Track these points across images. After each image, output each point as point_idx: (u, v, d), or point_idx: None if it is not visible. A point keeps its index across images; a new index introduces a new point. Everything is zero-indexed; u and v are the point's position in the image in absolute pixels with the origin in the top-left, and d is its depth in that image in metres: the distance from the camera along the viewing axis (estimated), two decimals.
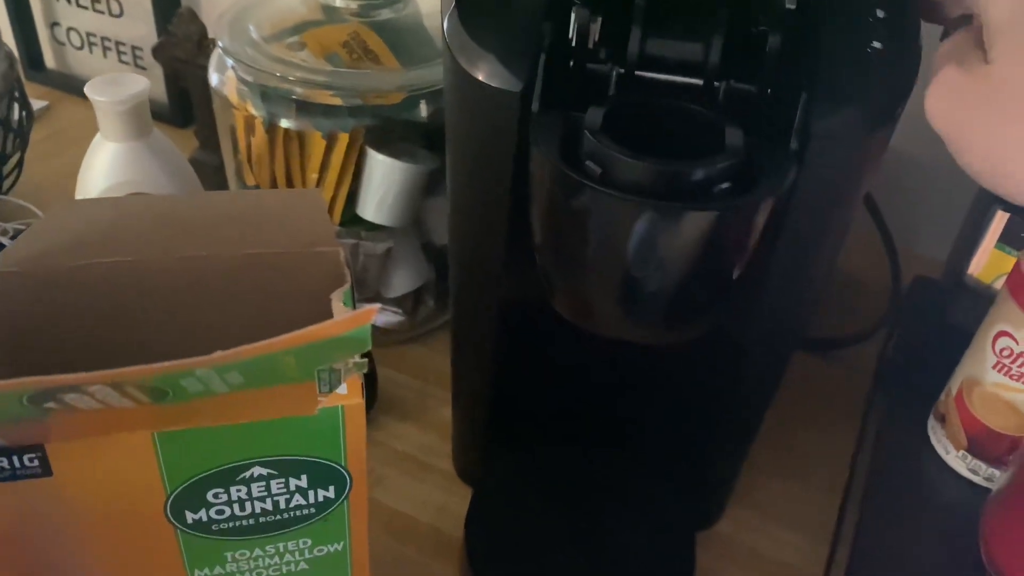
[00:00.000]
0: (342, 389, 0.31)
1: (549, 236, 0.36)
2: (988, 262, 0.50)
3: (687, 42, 0.34)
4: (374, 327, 0.65)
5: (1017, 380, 0.43)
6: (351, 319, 0.23)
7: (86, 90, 0.45)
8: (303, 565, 0.36)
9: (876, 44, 0.36)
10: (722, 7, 0.34)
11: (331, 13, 0.55)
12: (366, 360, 0.28)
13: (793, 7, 0.33)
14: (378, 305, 0.23)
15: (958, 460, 0.47)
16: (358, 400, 0.31)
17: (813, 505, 0.52)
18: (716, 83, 0.34)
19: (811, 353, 0.63)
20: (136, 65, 0.86)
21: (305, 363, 0.25)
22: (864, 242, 0.64)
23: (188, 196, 0.47)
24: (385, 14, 0.55)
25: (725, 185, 0.31)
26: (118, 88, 0.45)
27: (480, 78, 0.35)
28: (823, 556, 0.49)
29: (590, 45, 0.34)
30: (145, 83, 0.45)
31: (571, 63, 0.35)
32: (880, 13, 0.36)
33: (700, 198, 0.31)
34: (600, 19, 0.34)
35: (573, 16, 0.34)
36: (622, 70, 0.35)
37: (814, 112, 0.33)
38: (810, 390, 0.60)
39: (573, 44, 0.34)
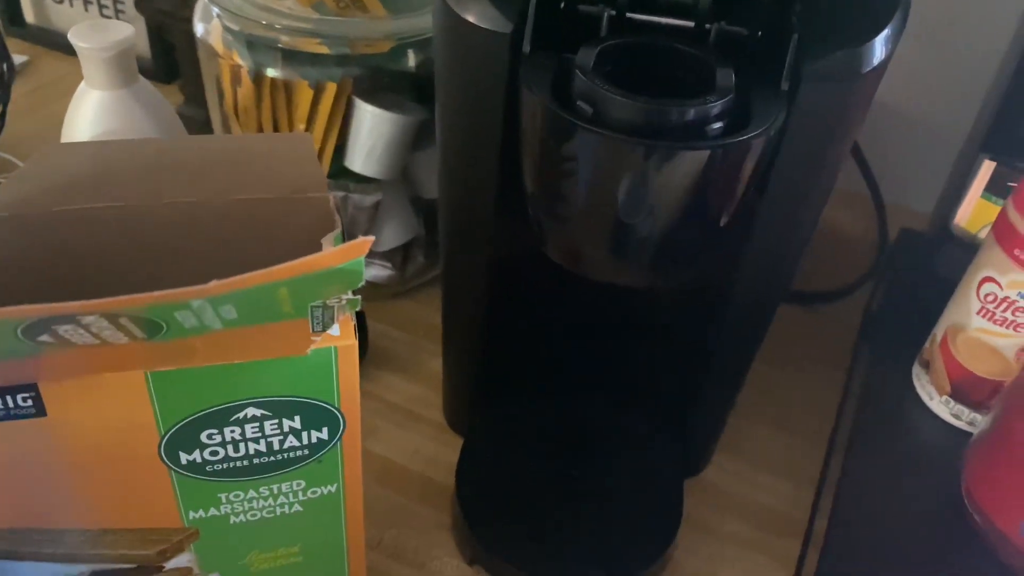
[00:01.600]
0: (335, 330, 0.31)
1: (540, 179, 0.36)
2: (974, 212, 0.50)
3: None
4: (364, 282, 0.65)
5: (1000, 325, 0.44)
6: (345, 249, 0.23)
7: (70, 36, 0.45)
8: (297, 507, 0.36)
9: None
10: None
11: None
12: (358, 298, 0.28)
13: None
14: (372, 237, 0.23)
15: (941, 405, 0.48)
16: (351, 341, 0.31)
17: (799, 452, 0.53)
18: (707, 25, 0.34)
19: (799, 305, 0.63)
20: (117, 19, 0.85)
21: (299, 296, 0.25)
22: (852, 195, 0.65)
23: (177, 140, 0.47)
24: None
25: (717, 125, 0.31)
26: (103, 34, 0.44)
27: (470, 19, 0.35)
28: (809, 501, 0.50)
29: None
30: (130, 29, 0.45)
31: (562, 4, 0.34)
32: None
33: (691, 138, 0.31)
34: None
35: None
36: (613, 12, 0.35)
37: (805, 54, 0.33)
38: (798, 341, 0.61)
39: None
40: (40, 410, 0.30)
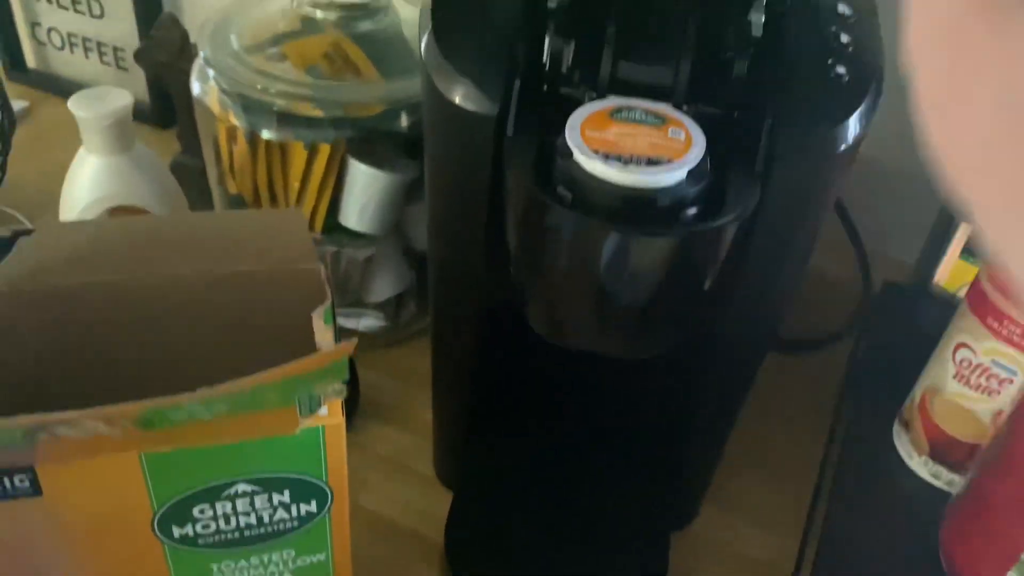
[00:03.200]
0: (323, 410, 0.32)
1: (523, 255, 0.37)
2: (953, 272, 0.51)
3: (656, 67, 0.35)
4: (356, 332, 0.66)
5: (976, 390, 0.45)
6: (330, 354, 0.24)
7: (70, 105, 0.46)
8: (287, 575, 0.37)
9: (840, 68, 0.37)
10: (690, 34, 0.35)
11: (311, 24, 0.55)
12: (345, 386, 0.29)
13: (759, 35, 0.34)
14: (354, 341, 0.24)
15: (921, 465, 0.49)
16: (338, 420, 0.32)
17: (785, 503, 0.54)
18: (684, 107, 0.35)
19: (783, 353, 0.64)
20: (118, 66, 0.86)
21: (286, 393, 0.26)
22: (836, 245, 0.66)
23: (172, 216, 0.48)
24: (365, 25, 0.55)
25: (691, 210, 0.32)
26: (101, 103, 0.45)
27: (456, 101, 0.36)
28: (794, 552, 0.51)
29: (563, 70, 0.35)
30: (128, 98, 0.46)
31: (544, 88, 0.36)
32: (844, 38, 0.38)
33: (667, 222, 0.32)
34: (573, 44, 0.35)
35: (547, 43, 0.35)
36: (594, 94, 0.36)
37: (779, 135, 0.34)
38: (782, 390, 0.62)
39: (547, 69, 0.35)
40: (36, 490, 0.31)
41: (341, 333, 0.60)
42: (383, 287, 0.61)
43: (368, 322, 0.62)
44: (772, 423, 0.59)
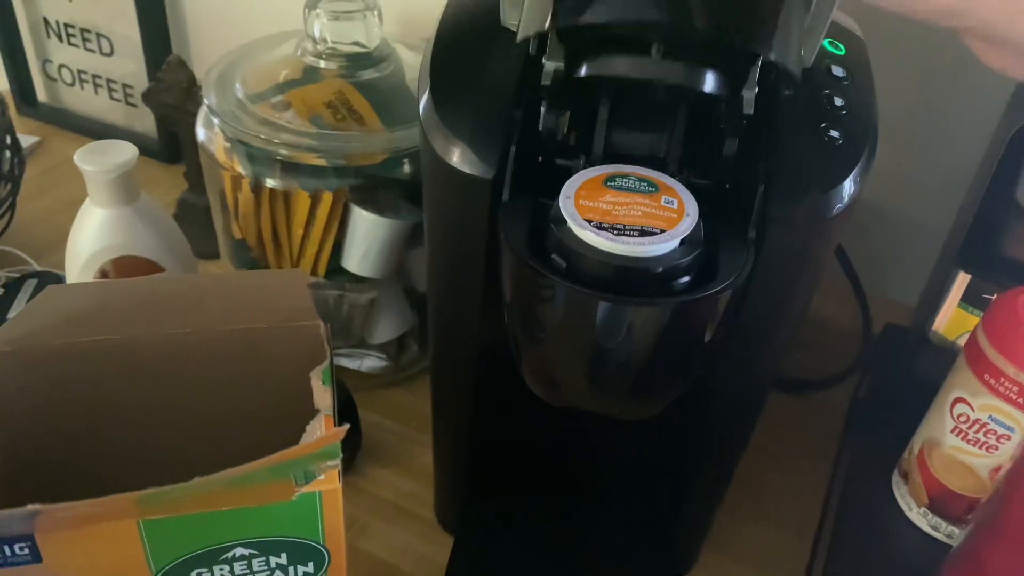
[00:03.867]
0: (320, 476, 0.33)
1: (518, 318, 0.37)
2: (951, 320, 0.51)
3: (648, 140, 0.35)
4: (359, 372, 0.66)
5: (973, 445, 0.45)
6: (321, 440, 0.24)
7: (76, 160, 0.47)
8: None
9: (834, 132, 0.37)
10: (682, 110, 0.35)
11: (315, 72, 0.56)
12: (339, 463, 0.29)
13: (751, 112, 0.34)
14: (347, 426, 0.25)
15: (920, 517, 0.49)
16: (335, 486, 0.33)
17: (785, 549, 0.54)
18: (676, 176, 0.36)
19: (784, 394, 0.64)
20: (127, 102, 0.88)
21: (281, 473, 0.27)
22: (837, 287, 0.66)
23: (175, 276, 0.49)
24: (368, 74, 0.56)
25: (684, 279, 0.33)
26: (106, 157, 0.46)
27: (452, 162, 0.37)
28: None
29: (558, 138, 0.36)
30: (133, 152, 0.47)
31: (540, 158, 0.36)
32: (838, 100, 0.38)
33: (660, 291, 0.32)
34: (568, 115, 0.35)
35: (542, 115, 0.35)
36: (588, 161, 0.36)
37: (773, 201, 0.35)
38: (783, 432, 0.62)
39: (543, 137, 0.36)
40: (36, 557, 0.31)
41: (342, 374, 0.61)
42: (385, 329, 0.61)
43: (370, 363, 0.63)
44: (773, 466, 0.59)
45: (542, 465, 0.53)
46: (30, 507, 0.23)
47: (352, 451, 0.58)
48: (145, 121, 0.86)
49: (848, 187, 0.36)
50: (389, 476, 0.58)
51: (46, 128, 0.91)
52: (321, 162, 0.52)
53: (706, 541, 0.53)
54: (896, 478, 0.51)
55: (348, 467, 0.57)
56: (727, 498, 0.52)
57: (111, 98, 0.88)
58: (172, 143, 0.83)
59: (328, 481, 0.33)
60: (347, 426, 0.25)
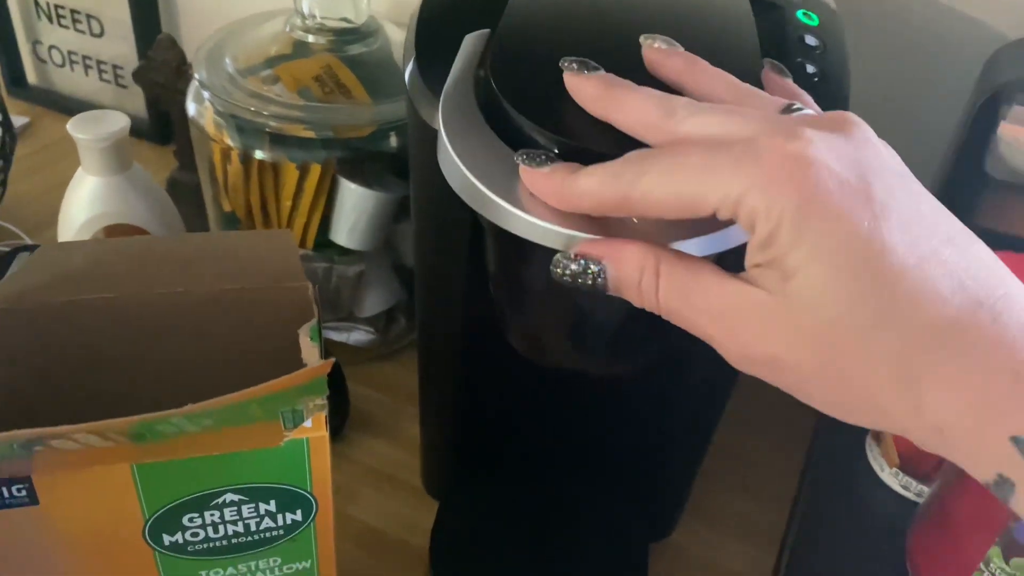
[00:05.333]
0: (307, 423, 0.34)
1: (500, 282, 0.38)
2: None
3: None
4: (347, 345, 0.67)
5: None
6: (309, 372, 0.25)
7: (69, 128, 0.48)
8: None
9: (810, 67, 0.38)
10: None
11: (304, 47, 0.57)
12: (325, 403, 0.30)
13: None
14: (332, 359, 0.26)
15: (891, 477, 0.50)
16: (322, 432, 0.34)
17: (763, 516, 0.55)
18: None
19: None
20: (117, 84, 0.88)
21: (269, 408, 0.28)
22: None
23: (165, 238, 0.50)
24: (356, 48, 0.57)
25: None
26: (99, 126, 0.47)
27: (438, 128, 0.38)
28: (771, 564, 0.52)
29: None
30: (125, 121, 0.48)
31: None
32: (811, 68, 0.39)
33: None
34: None
35: None
36: None
37: None
38: (763, 405, 0.63)
39: None
40: (33, 499, 0.32)
41: (331, 347, 0.62)
42: (373, 302, 0.63)
43: (358, 336, 0.64)
44: (752, 438, 0.61)
45: (526, 433, 0.54)
46: (29, 431, 0.24)
47: (340, 420, 0.59)
48: (135, 102, 0.86)
49: None
50: (377, 445, 0.59)
51: (36, 110, 0.92)
52: (309, 134, 0.53)
53: (686, 509, 0.55)
54: (869, 441, 0.52)
55: (336, 436, 0.59)
56: (707, 468, 0.53)
57: (101, 79, 0.89)
58: (162, 123, 0.84)
59: (315, 428, 0.34)
60: (332, 359, 0.26)
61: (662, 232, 0.28)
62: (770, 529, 0.54)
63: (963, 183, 0.48)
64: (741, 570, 0.52)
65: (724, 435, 0.58)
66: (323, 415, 0.33)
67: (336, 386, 0.60)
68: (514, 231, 0.29)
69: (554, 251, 0.29)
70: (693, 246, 0.29)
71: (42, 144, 0.87)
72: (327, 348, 0.62)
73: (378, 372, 0.64)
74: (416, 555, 0.52)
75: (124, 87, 0.88)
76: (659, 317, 0.37)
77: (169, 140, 0.83)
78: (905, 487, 0.50)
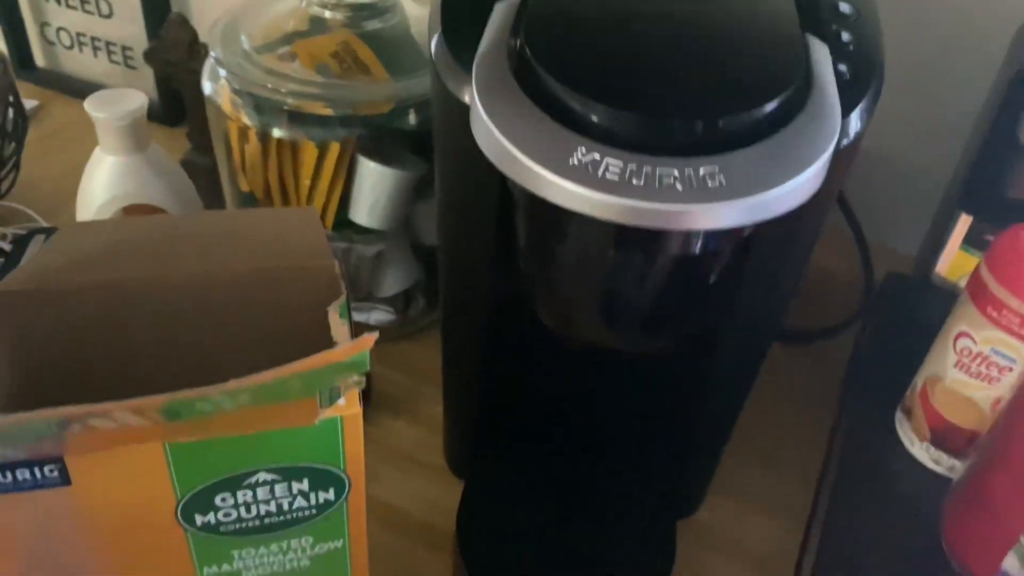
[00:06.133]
0: (341, 400, 0.33)
1: (532, 252, 0.38)
2: (953, 263, 0.52)
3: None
4: (367, 325, 0.67)
5: (975, 377, 0.46)
6: (354, 346, 0.25)
7: (86, 106, 0.47)
8: (305, 562, 0.38)
9: (841, 66, 0.38)
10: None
11: (320, 23, 0.56)
12: (364, 378, 0.30)
13: None
14: (376, 334, 0.25)
15: (922, 451, 0.50)
16: (356, 410, 0.33)
17: (789, 492, 0.55)
18: None
19: (788, 345, 0.65)
20: (127, 65, 0.87)
21: (310, 384, 0.27)
22: (839, 238, 0.67)
23: (189, 216, 0.49)
24: (373, 24, 0.56)
25: None
26: (117, 105, 0.47)
27: (465, 100, 0.37)
28: (798, 540, 0.52)
29: None
30: (143, 99, 0.47)
31: None
32: (845, 36, 0.39)
33: None
34: None
35: None
36: None
37: None
38: (788, 381, 0.63)
39: None
40: (65, 480, 0.32)
41: (354, 327, 0.62)
42: (393, 282, 0.62)
43: (378, 316, 0.63)
44: (778, 414, 0.60)
45: (551, 412, 0.54)
46: (66, 409, 0.23)
47: (362, 401, 0.59)
48: (145, 84, 0.85)
49: (854, 122, 0.37)
50: (398, 425, 0.59)
51: (45, 93, 0.91)
52: (328, 111, 0.53)
53: (712, 485, 0.54)
54: (899, 415, 0.52)
55: None
56: (733, 446, 0.52)
57: (110, 61, 0.88)
58: (173, 105, 0.83)
59: (349, 406, 0.33)
60: (376, 334, 0.26)
61: None
62: (797, 505, 0.54)
63: (997, 153, 0.47)
64: (768, 547, 0.52)
65: (750, 411, 0.57)
66: (357, 392, 0.33)
67: None
68: (553, 200, 0.28)
69: (592, 219, 0.28)
70: None
71: (53, 128, 0.86)
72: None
73: (398, 353, 0.64)
74: (441, 534, 0.51)
75: (134, 68, 0.87)
76: (694, 292, 0.36)
77: (180, 122, 0.83)
78: (936, 461, 0.49)
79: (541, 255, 0.37)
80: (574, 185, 0.28)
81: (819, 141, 0.30)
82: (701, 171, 0.28)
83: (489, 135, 0.30)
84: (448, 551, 0.51)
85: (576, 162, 0.28)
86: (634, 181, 0.28)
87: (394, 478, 0.55)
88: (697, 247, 0.31)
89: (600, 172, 0.28)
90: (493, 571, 0.47)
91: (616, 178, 0.28)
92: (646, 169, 0.28)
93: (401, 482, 0.55)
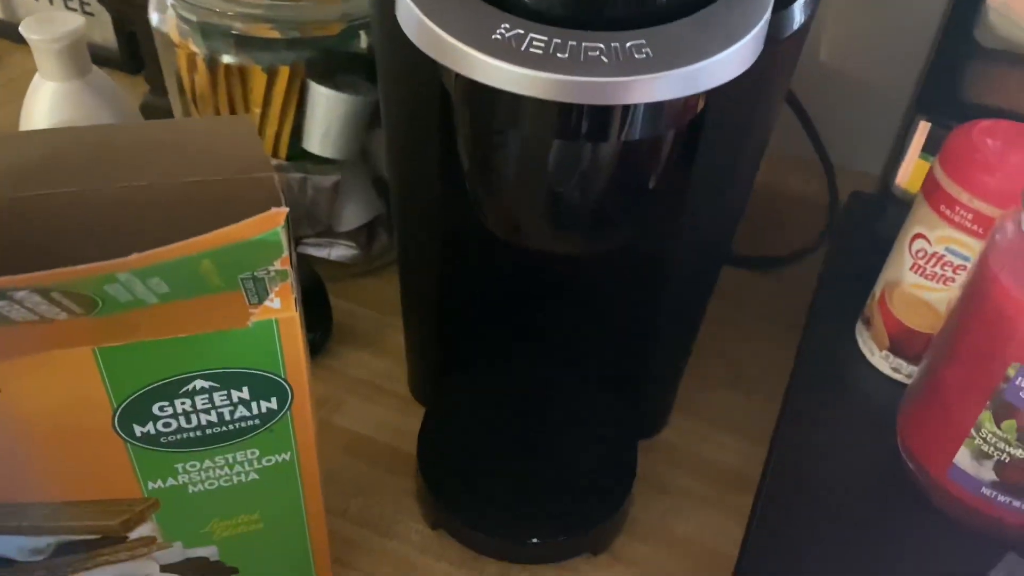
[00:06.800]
0: (276, 304, 0.33)
1: (473, 154, 0.37)
2: (913, 172, 0.52)
3: None
4: (330, 262, 0.66)
5: (931, 280, 0.45)
6: (260, 220, 0.24)
7: (21, 28, 0.46)
8: (253, 475, 0.38)
9: None
10: None
11: None
12: (287, 268, 0.29)
13: None
14: (285, 208, 0.25)
15: (882, 360, 0.50)
16: (292, 313, 0.33)
17: (755, 412, 0.55)
18: None
19: (756, 270, 0.65)
20: (84, 11, 0.85)
21: (224, 268, 0.27)
22: (806, 161, 0.66)
23: (121, 125, 0.48)
24: None
25: None
26: (53, 26, 0.45)
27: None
28: (762, 458, 0.52)
29: None
30: (80, 20, 0.46)
31: None
32: None
33: None
34: None
35: None
36: None
37: None
38: (754, 305, 0.63)
39: None
40: None
41: (312, 263, 0.61)
42: (352, 215, 0.61)
43: (340, 252, 0.63)
44: (744, 339, 0.60)
45: (510, 331, 0.53)
46: None
47: (323, 334, 0.58)
48: (104, 31, 0.83)
49: (797, 12, 0.36)
50: (363, 357, 0.58)
51: (4, 44, 0.89)
52: (275, 34, 0.51)
53: (676, 406, 0.54)
54: (859, 326, 0.52)
55: (319, 350, 0.58)
56: (698, 366, 0.52)
57: (67, 7, 0.86)
58: (132, 50, 0.81)
59: (284, 309, 0.33)
60: (286, 209, 0.25)
61: None
62: (763, 423, 0.54)
63: (953, 53, 0.46)
64: (733, 463, 0.52)
65: (718, 336, 0.57)
66: (290, 290, 0.32)
67: (318, 300, 0.59)
68: (479, 78, 0.27)
69: (519, 99, 0.27)
70: None
71: (11, 77, 0.84)
72: (308, 262, 0.61)
73: (362, 288, 0.63)
74: (405, 459, 0.51)
75: (92, 15, 0.85)
76: (634, 185, 0.36)
77: (140, 69, 0.81)
78: (896, 369, 0.49)
79: (479, 153, 0.36)
80: (497, 60, 0.27)
81: (751, 15, 0.30)
82: (628, 44, 0.28)
83: (413, 17, 0.29)
84: (412, 475, 0.50)
85: (499, 36, 0.27)
86: (559, 55, 0.27)
87: (359, 407, 0.55)
88: (630, 129, 0.31)
89: (524, 46, 0.27)
90: (453, 491, 0.47)
91: (540, 52, 0.27)
92: (571, 43, 0.27)
93: (366, 411, 0.55)
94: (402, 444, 0.52)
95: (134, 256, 0.24)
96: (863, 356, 0.51)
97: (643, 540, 0.48)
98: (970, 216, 0.42)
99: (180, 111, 0.59)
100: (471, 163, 0.37)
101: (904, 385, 0.48)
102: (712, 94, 0.34)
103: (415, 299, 0.51)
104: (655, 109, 0.30)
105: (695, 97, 0.32)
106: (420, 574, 0.46)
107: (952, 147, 0.42)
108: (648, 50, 0.27)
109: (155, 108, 0.73)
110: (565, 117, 0.30)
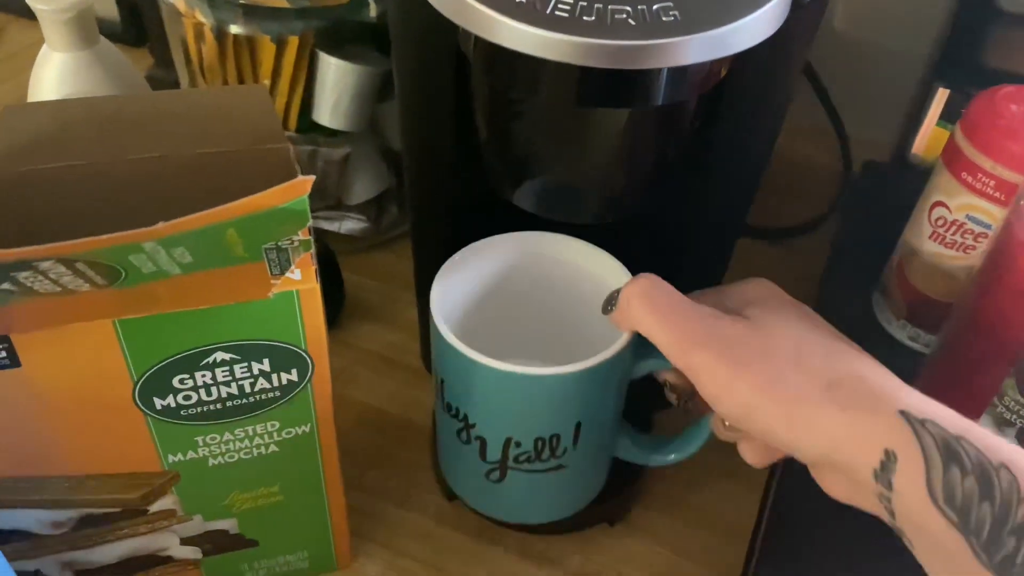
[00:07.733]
0: (296, 275, 0.32)
1: (492, 123, 0.36)
2: (930, 140, 0.51)
3: None
4: (340, 235, 0.65)
5: (951, 248, 0.45)
6: (286, 188, 0.24)
7: (28, 0, 0.45)
8: (273, 448, 0.38)
9: None
10: None
11: None
12: (311, 239, 0.29)
13: None
14: (312, 177, 0.24)
15: (899, 329, 0.49)
16: (313, 285, 0.33)
17: None
18: None
19: (767, 241, 0.64)
20: None
21: (249, 238, 0.26)
22: (819, 130, 0.65)
23: (133, 96, 0.47)
24: None
25: None
26: None
27: None
28: None
29: None
30: None
31: None
32: None
33: None
34: None
35: None
36: None
37: None
38: (767, 276, 0.62)
39: None
40: (14, 361, 0.31)
41: (323, 237, 0.61)
42: (362, 188, 0.61)
43: (350, 225, 0.62)
44: None
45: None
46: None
47: (335, 308, 0.58)
48: (107, 4, 0.83)
49: None
50: (375, 330, 0.58)
51: (3, 17, 0.88)
52: (284, 3, 0.51)
53: None
54: (876, 296, 0.51)
55: (332, 323, 0.58)
56: None
57: None
58: (136, 23, 0.80)
59: (305, 280, 0.32)
60: (312, 177, 0.25)
61: None
62: None
63: (972, 18, 0.45)
64: None
65: None
66: (310, 261, 0.32)
67: (330, 274, 0.59)
68: (503, 43, 0.27)
69: (543, 64, 0.27)
70: None
71: (13, 51, 0.84)
72: (318, 235, 0.61)
73: (372, 261, 0.63)
74: (419, 431, 0.51)
75: None
76: (656, 151, 0.35)
77: (143, 42, 0.80)
78: (913, 339, 0.49)
79: (498, 120, 0.36)
80: (521, 24, 0.27)
81: None
82: (655, 6, 0.27)
83: None
84: (427, 447, 0.50)
85: (524, 0, 0.27)
86: (584, 18, 0.27)
87: (372, 380, 0.55)
88: (656, 94, 0.30)
89: (549, 9, 0.27)
90: None
91: (566, 15, 0.27)
92: (597, 5, 0.27)
93: (379, 384, 0.55)
94: (416, 416, 0.52)
95: (160, 225, 0.24)
96: (880, 325, 0.50)
97: (659, 511, 0.48)
98: (992, 183, 0.41)
99: (187, 83, 0.58)
100: (489, 131, 0.37)
101: (922, 354, 0.48)
102: (735, 60, 0.34)
103: (427, 271, 0.50)
104: (680, 74, 0.30)
105: (720, 62, 0.32)
106: (439, 544, 0.47)
107: (974, 113, 0.42)
108: (676, 13, 0.27)
109: (160, 81, 0.72)
110: (590, 82, 0.29)
